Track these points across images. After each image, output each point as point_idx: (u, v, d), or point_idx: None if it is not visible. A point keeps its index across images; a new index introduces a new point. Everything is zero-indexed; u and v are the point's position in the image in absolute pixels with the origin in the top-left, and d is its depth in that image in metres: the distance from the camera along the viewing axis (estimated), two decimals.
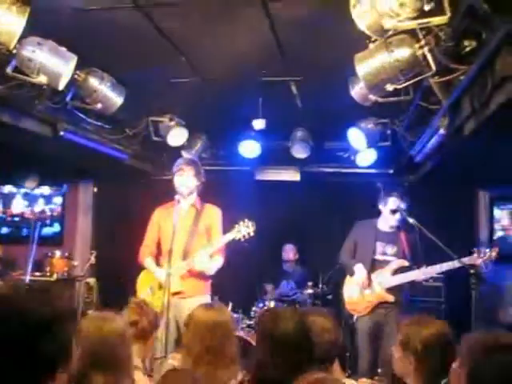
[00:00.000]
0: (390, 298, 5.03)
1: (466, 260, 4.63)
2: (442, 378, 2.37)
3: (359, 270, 5.13)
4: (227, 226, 4.82)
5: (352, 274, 5.21)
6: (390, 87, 3.31)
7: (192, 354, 2.77)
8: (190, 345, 2.82)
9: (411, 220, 4.84)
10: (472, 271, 4.37)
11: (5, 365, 1.42)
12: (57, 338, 1.48)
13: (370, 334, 5.12)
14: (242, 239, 4.64)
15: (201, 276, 4.74)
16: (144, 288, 4.79)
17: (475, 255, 4.67)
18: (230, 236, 4.66)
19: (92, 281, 6.77)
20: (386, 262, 5.12)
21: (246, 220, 4.67)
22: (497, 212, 6.74)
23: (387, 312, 5.04)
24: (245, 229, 4.63)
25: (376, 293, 5.09)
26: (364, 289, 5.13)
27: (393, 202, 5.05)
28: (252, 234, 4.64)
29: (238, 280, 6.68)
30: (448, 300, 6.19)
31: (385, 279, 5.06)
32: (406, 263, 5.04)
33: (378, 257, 5.17)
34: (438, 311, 6.14)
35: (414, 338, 2.51)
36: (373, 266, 5.15)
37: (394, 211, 5.06)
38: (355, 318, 5.23)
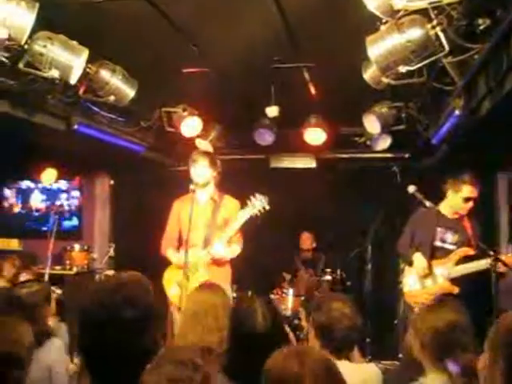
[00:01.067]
0: (455, 289, 4.67)
1: None
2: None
3: (418, 258, 4.78)
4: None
5: (411, 263, 4.87)
6: (402, 69, 3.27)
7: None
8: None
9: (428, 203, 4.76)
10: (492, 253, 4.29)
11: (118, 347, 1.51)
12: (156, 330, 1.59)
13: None
14: (258, 214, 4.57)
15: (223, 265, 4.76)
16: (170, 284, 4.81)
17: None
18: (245, 213, 4.59)
19: (111, 273, 6.81)
20: (446, 250, 4.78)
21: (257, 194, 4.61)
22: None
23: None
24: (259, 203, 4.55)
25: (439, 284, 4.74)
26: (424, 279, 4.80)
27: (468, 190, 4.70)
28: (267, 207, 4.56)
29: (256, 269, 6.70)
30: (468, 283, 6.11)
31: (448, 269, 4.70)
32: (471, 252, 4.68)
33: (437, 243, 4.83)
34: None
35: (422, 324, 2.50)
36: (433, 253, 4.81)
37: (467, 199, 4.71)
38: (416, 310, 4.67)
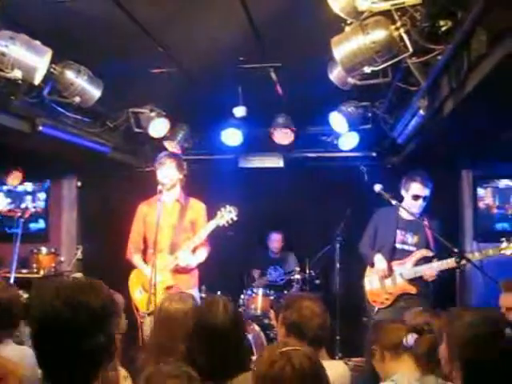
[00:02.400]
0: (412, 289, 4.88)
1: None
2: None
3: (379, 260, 4.97)
4: (212, 215, 4.81)
5: (372, 264, 5.06)
6: (367, 69, 3.29)
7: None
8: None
9: (394, 202, 4.84)
10: (456, 250, 4.38)
11: (62, 354, 1.52)
12: (108, 332, 1.60)
13: None
14: (226, 225, 4.64)
15: (190, 270, 4.78)
16: (135, 287, 4.81)
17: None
18: (213, 223, 4.67)
19: (79, 276, 6.72)
20: (406, 252, 4.96)
21: (228, 206, 4.67)
22: (480, 190, 6.78)
23: (409, 305, 4.68)
24: (228, 214, 4.63)
25: (397, 284, 4.94)
26: (384, 279, 4.97)
27: (415, 187, 4.88)
28: (235, 218, 4.65)
29: (225, 269, 6.70)
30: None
31: (406, 270, 4.89)
32: (429, 253, 4.86)
33: (398, 245, 5.01)
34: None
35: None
36: (393, 255, 4.99)
37: (416, 197, 4.88)
38: (376, 309, 5.04)
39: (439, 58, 3.32)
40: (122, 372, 2.92)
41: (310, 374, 1.79)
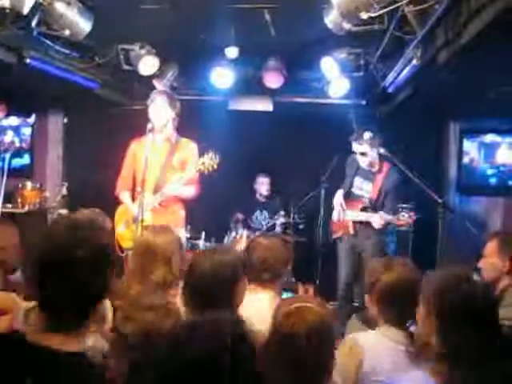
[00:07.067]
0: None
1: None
2: (407, 320, 2.45)
3: (338, 194, 5.52)
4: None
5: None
6: (364, 15, 3.27)
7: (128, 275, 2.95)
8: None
9: (382, 150, 4.90)
10: (440, 201, 4.46)
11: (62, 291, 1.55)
12: (109, 270, 1.65)
13: (349, 254, 5.42)
14: (206, 171, 4.60)
15: (173, 210, 4.78)
16: (120, 222, 4.84)
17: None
18: (193, 168, 4.63)
19: (64, 212, 6.74)
20: (358, 197, 5.40)
21: (211, 152, 4.61)
22: (466, 144, 6.83)
23: (365, 239, 5.31)
24: (209, 161, 4.56)
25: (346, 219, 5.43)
26: (342, 212, 5.44)
27: (354, 146, 5.23)
28: (216, 166, 4.58)
29: (211, 210, 6.75)
30: (416, 229, 6.34)
31: (353, 213, 5.35)
32: (367, 204, 5.28)
33: (354, 190, 5.46)
34: (405, 240, 6.35)
35: (377, 283, 2.54)
36: (349, 197, 5.48)
37: (362, 154, 5.23)
38: (336, 237, 5.59)
39: (437, 7, 3.29)
40: (107, 303, 3.01)
41: (320, 330, 1.92)
